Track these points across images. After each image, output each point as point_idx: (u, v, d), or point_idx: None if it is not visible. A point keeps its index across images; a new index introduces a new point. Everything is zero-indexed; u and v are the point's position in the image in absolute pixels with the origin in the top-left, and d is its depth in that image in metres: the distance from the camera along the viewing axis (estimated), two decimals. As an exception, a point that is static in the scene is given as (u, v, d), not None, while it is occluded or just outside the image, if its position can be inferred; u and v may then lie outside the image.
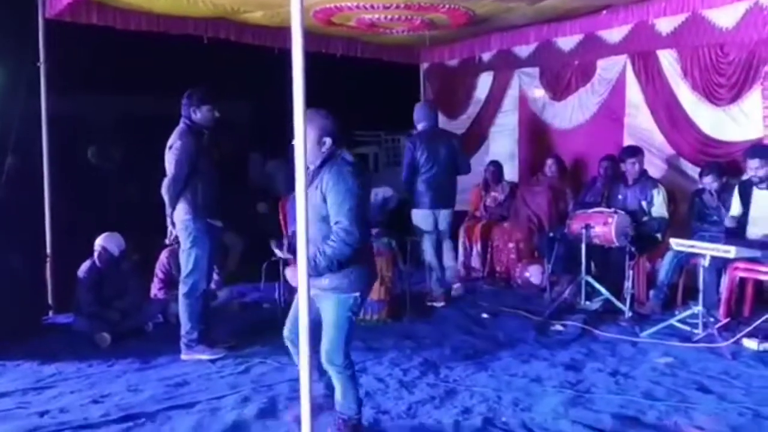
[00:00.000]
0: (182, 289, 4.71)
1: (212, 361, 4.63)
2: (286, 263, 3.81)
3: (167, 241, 4.85)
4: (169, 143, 4.64)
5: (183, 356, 4.69)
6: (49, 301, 5.81)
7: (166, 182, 4.60)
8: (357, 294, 3.28)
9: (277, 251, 3.82)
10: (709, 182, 5.67)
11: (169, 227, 4.72)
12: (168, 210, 4.64)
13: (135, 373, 4.44)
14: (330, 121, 3.26)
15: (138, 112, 6.05)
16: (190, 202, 4.61)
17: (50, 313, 5.79)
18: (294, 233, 3.15)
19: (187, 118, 4.66)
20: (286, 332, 3.52)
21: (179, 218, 4.63)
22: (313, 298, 3.10)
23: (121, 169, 6.49)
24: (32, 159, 5.70)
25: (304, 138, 2.64)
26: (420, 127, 6.29)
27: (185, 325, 4.71)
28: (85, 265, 5.20)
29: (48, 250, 5.80)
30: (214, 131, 4.76)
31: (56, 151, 5.82)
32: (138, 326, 5.29)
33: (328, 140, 3.22)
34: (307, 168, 3.16)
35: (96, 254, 5.22)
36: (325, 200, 3.16)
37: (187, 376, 4.36)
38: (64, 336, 5.22)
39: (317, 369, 3.39)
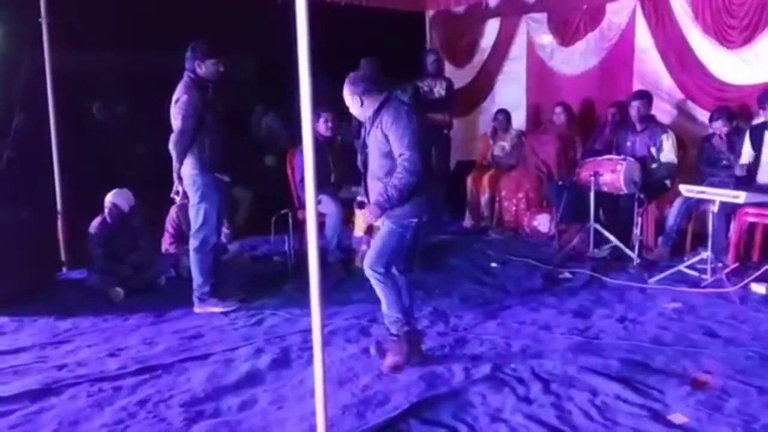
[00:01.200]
0: (193, 243, 4.74)
1: (225, 314, 4.69)
2: (361, 205, 4.21)
3: (173, 197, 4.84)
4: (174, 97, 4.61)
5: (196, 309, 4.76)
6: (62, 257, 5.87)
7: (173, 137, 4.59)
8: (414, 219, 3.63)
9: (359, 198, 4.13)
10: (719, 127, 5.62)
11: (176, 182, 4.73)
12: (175, 165, 4.65)
13: (149, 327, 4.51)
14: (355, 83, 3.65)
15: (142, 65, 5.97)
16: (198, 157, 4.61)
17: (63, 269, 5.85)
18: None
19: (192, 72, 4.62)
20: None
21: (187, 173, 4.63)
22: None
23: (127, 124, 6.46)
24: (38, 116, 5.68)
25: (310, 90, 2.61)
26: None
27: (197, 279, 4.76)
28: (95, 222, 5.24)
29: (59, 207, 5.84)
30: (219, 84, 4.73)
31: (62, 108, 5.79)
32: (150, 281, 5.35)
33: (360, 99, 3.63)
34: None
35: (106, 211, 5.24)
36: (386, 138, 3.55)
37: (200, 328, 4.43)
38: (78, 291, 5.30)
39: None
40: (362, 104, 3.64)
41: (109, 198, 5.26)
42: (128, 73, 6.10)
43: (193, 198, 4.69)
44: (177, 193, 4.77)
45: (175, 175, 4.69)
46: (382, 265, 3.62)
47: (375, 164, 3.65)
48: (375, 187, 3.66)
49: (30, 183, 5.55)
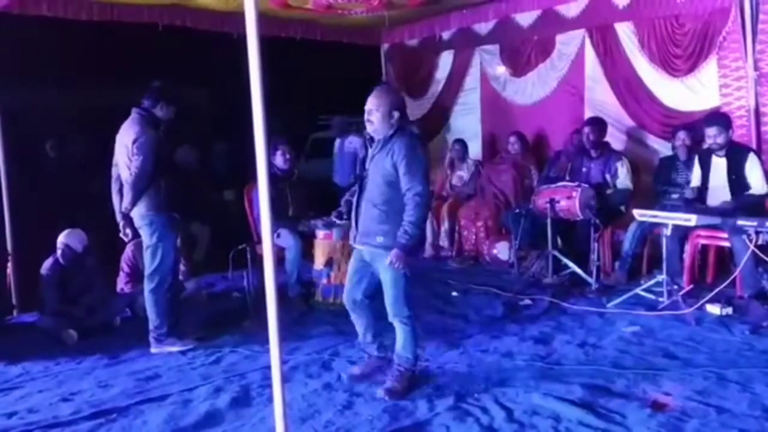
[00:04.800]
0: (149, 284, 4.63)
1: (183, 353, 4.58)
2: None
3: (123, 238, 4.73)
4: (131, 138, 4.47)
5: (153, 350, 4.64)
6: (13, 300, 5.70)
7: (132, 178, 4.45)
8: (410, 258, 3.59)
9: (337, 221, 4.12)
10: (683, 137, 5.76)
11: (121, 223, 4.61)
12: (125, 206, 4.52)
13: (104, 369, 4.37)
14: (398, 97, 3.69)
15: (96, 102, 5.93)
16: (153, 197, 4.51)
17: (15, 313, 5.67)
18: (347, 201, 3.82)
19: (146, 110, 4.54)
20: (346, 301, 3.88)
21: (140, 213, 4.52)
22: (366, 257, 3.69)
23: (80, 162, 6.36)
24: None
25: (264, 124, 2.62)
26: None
27: (154, 320, 4.65)
28: (47, 263, 5.09)
29: (9, 249, 5.68)
30: (174, 121, 4.68)
31: (12, 147, 5.68)
32: (105, 321, 5.20)
33: (396, 114, 3.56)
34: (371, 139, 3.65)
35: (59, 252, 5.11)
36: (394, 167, 3.50)
37: (157, 369, 4.32)
38: (29, 335, 5.12)
39: (372, 332, 3.86)
40: (392, 119, 3.53)
41: (62, 239, 5.13)
42: (81, 110, 6.04)
43: (149, 238, 4.58)
44: (126, 234, 4.67)
45: (119, 216, 4.59)
46: (407, 308, 3.65)
47: (375, 190, 3.58)
48: (368, 211, 3.61)
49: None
